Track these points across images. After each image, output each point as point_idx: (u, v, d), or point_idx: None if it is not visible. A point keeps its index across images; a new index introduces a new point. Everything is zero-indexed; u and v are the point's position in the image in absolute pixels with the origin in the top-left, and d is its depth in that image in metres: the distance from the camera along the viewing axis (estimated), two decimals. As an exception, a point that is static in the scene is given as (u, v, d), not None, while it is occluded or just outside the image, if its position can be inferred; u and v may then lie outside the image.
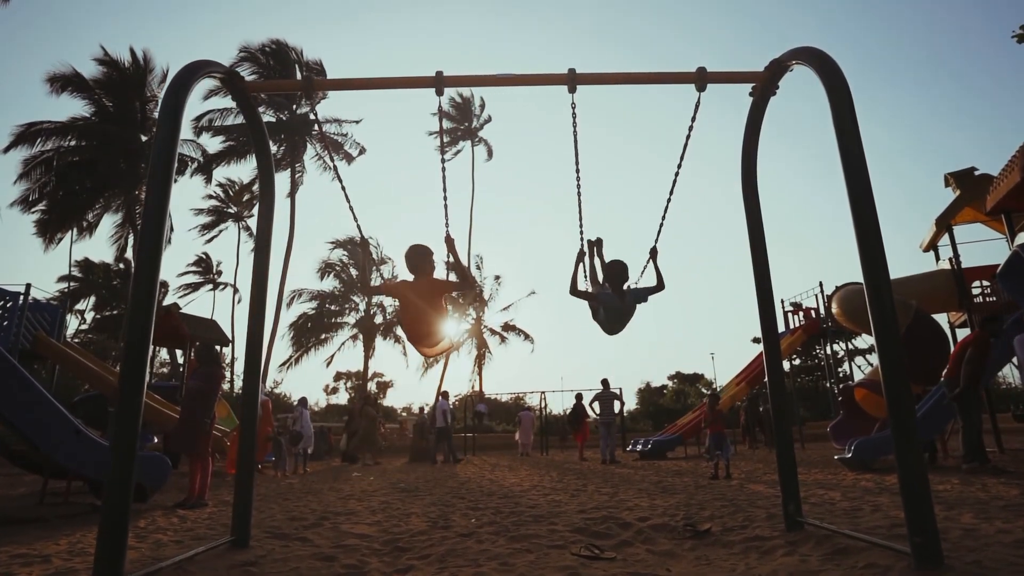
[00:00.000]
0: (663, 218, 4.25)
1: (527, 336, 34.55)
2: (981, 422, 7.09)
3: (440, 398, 16.36)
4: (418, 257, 4.11)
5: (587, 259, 4.69)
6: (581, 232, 4.31)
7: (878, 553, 2.73)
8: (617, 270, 4.34)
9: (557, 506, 5.18)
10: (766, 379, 3.96)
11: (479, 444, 21.73)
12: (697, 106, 3.55)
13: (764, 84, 3.49)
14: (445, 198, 3.98)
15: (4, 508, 5.82)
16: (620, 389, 14.46)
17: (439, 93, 3.43)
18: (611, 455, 12.97)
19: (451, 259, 4.15)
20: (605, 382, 14.01)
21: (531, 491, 6.69)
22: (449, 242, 4.07)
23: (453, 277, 4.34)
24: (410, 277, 4.13)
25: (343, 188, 4.02)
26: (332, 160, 4.23)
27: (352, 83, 3.49)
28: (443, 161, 4.12)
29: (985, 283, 12.93)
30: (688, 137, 3.65)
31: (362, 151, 30.73)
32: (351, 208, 4.08)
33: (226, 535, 3.63)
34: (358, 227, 4.28)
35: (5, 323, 11.38)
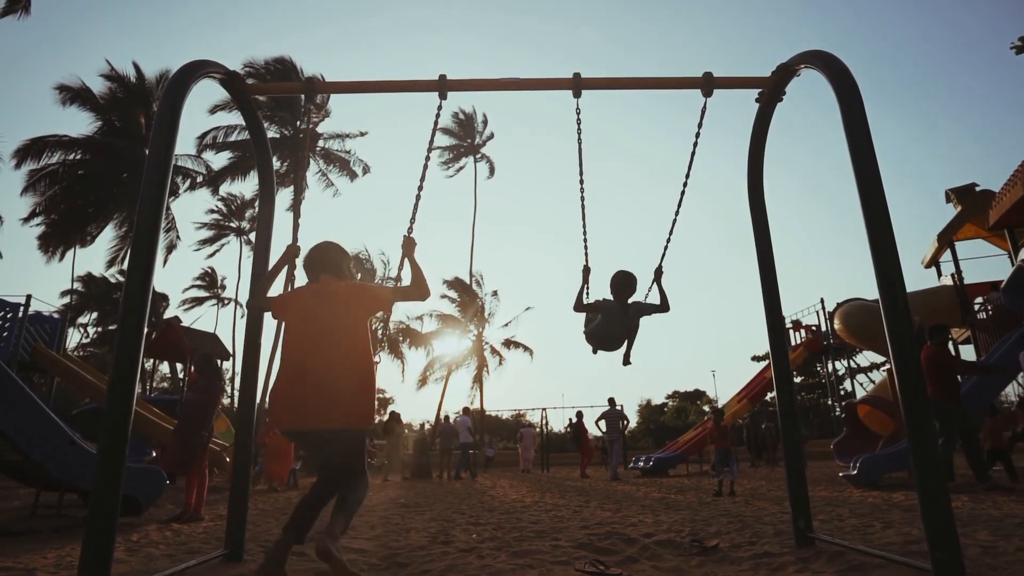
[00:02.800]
0: (668, 239, 4.16)
1: (527, 349, 34.43)
2: (977, 440, 7.02)
3: (462, 414, 16.57)
4: (326, 254, 2.94)
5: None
6: (585, 242, 4.19)
7: (895, 570, 2.63)
8: (621, 280, 4.13)
9: (560, 522, 5.06)
10: (770, 395, 3.87)
11: (479, 461, 21.56)
12: (703, 112, 3.52)
13: (771, 89, 3.44)
14: (420, 190, 3.36)
15: (-5, 521, 5.71)
16: (621, 406, 14.39)
17: (442, 97, 3.39)
18: (615, 471, 12.99)
19: (405, 265, 3.06)
20: (611, 401, 13.99)
21: (533, 507, 6.57)
22: (408, 246, 3.08)
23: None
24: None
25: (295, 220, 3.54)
26: (305, 176, 4.09)
27: (354, 86, 3.46)
28: (428, 157, 3.39)
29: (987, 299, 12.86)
30: (695, 145, 3.60)
31: (366, 169, 30.78)
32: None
33: (220, 549, 3.52)
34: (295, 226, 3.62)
35: (5, 334, 11.32)
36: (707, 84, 3.36)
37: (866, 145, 2.65)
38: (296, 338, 2.69)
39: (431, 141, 3.44)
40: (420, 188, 3.39)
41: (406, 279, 3.02)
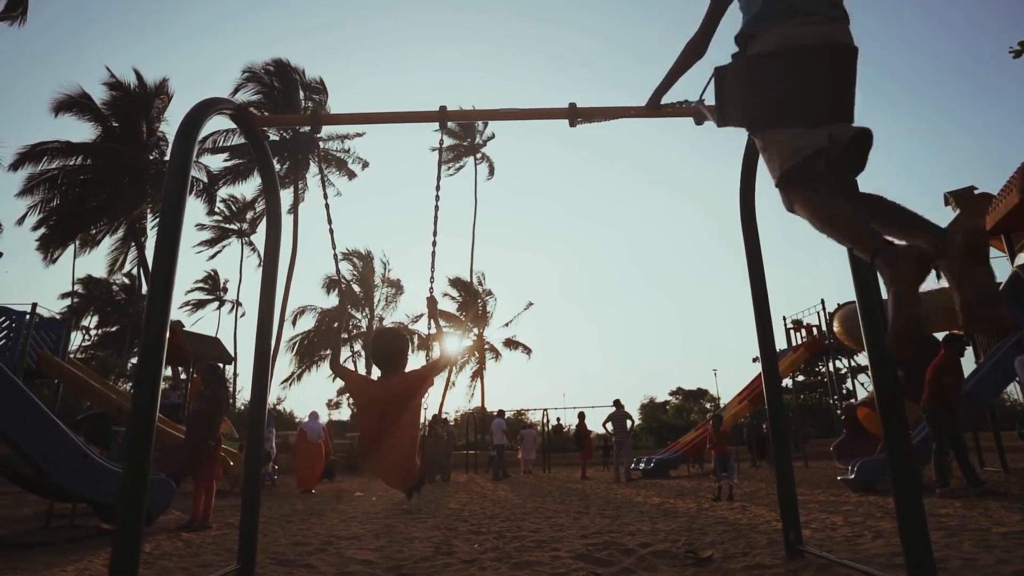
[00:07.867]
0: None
1: (526, 348, 34.63)
2: (965, 446, 7.15)
3: (496, 416, 16.91)
4: (391, 353, 3.17)
5: None
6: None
7: (877, 584, 2.75)
8: None
9: (559, 530, 5.19)
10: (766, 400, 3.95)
11: (481, 462, 21.73)
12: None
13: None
14: (434, 246, 3.39)
15: (10, 531, 5.84)
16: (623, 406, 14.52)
17: (443, 127, 3.51)
18: (627, 473, 13.27)
19: (432, 327, 3.27)
20: (617, 402, 14.13)
21: (533, 513, 6.70)
22: (431, 305, 3.31)
23: (435, 353, 3.28)
24: (377, 373, 3.22)
25: (331, 232, 3.71)
26: (325, 194, 3.87)
27: (358, 117, 3.59)
28: (437, 200, 3.44)
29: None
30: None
31: (365, 165, 31.11)
32: (335, 253, 3.73)
33: (231, 560, 3.65)
34: (339, 273, 3.86)
35: (10, 343, 11.45)
36: (698, 114, 3.47)
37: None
38: (374, 421, 3.10)
39: (437, 190, 3.46)
40: (434, 244, 3.42)
41: (437, 350, 3.32)
